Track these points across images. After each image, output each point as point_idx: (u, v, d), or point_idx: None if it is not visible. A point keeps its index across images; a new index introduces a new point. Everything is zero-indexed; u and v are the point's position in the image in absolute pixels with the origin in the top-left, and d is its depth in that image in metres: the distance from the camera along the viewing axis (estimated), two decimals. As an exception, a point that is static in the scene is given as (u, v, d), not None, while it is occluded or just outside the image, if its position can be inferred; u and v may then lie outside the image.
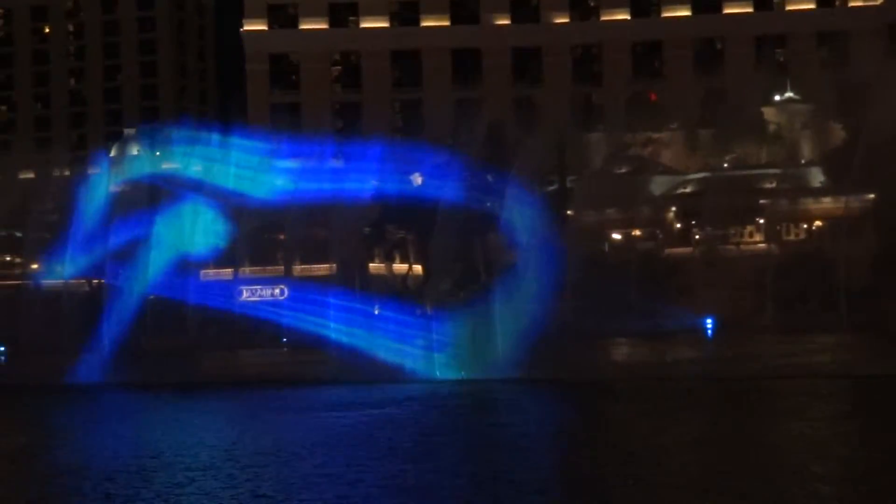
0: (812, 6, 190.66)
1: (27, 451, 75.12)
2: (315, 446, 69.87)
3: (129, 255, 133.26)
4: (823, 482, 51.29)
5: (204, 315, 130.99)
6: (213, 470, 59.45)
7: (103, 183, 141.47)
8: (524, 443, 70.80)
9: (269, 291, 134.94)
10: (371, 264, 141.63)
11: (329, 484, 52.86)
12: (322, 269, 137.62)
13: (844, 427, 75.18)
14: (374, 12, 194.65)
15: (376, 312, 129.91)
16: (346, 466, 58.67)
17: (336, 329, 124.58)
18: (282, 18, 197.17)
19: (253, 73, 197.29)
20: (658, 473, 54.97)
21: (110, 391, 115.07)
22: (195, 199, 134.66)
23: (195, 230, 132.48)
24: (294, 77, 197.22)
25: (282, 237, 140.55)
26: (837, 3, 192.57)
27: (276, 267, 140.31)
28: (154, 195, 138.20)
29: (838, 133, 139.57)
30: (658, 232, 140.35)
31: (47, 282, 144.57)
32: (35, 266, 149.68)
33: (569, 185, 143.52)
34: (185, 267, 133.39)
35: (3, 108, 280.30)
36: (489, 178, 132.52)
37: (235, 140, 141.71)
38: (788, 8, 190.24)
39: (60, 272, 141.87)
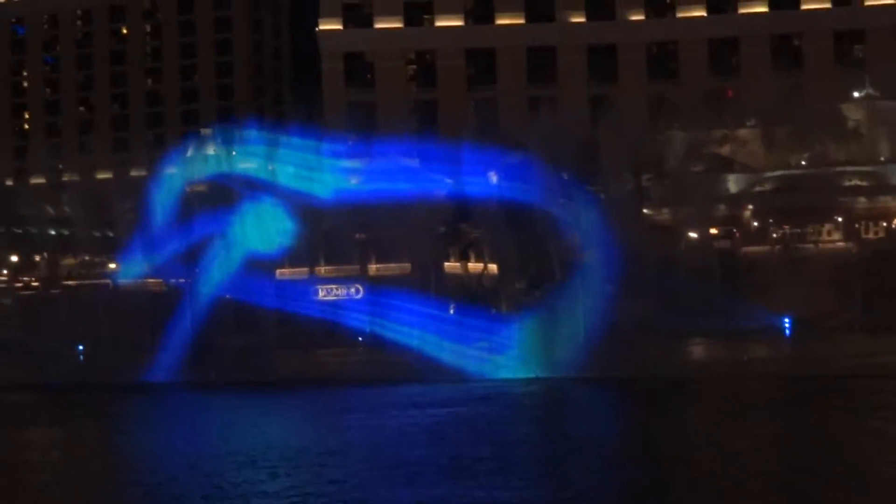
0: (891, 1, 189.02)
1: (100, 449, 77.29)
2: (382, 445, 71.29)
3: (204, 255, 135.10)
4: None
5: (279, 314, 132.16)
6: (290, 466, 61.04)
7: (179, 183, 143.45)
8: (591, 443, 71.74)
9: (344, 290, 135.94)
10: (446, 263, 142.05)
11: (397, 483, 54.18)
12: (397, 268, 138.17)
13: None
14: (448, 11, 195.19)
15: (451, 312, 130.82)
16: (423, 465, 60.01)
17: (410, 330, 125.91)
18: (357, 17, 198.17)
19: (328, 73, 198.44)
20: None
21: (185, 390, 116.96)
22: (269, 199, 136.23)
23: (269, 230, 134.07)
24: (369, 76, 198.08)
25: (357, 236, 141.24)
26: None
27: (352, 266, 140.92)
28: (229, 195, 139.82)
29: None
30: (735, 230, 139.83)
31: (125, 281, 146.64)
32: (113, 266, 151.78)
33: (644, 183, 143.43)
34: (259, 267, 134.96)
35: (82, 108, 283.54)
36: (564, 177, 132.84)
37: (310, 140, 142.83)
38: (867, 3, 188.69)
39: (138, 272, 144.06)
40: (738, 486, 54.61)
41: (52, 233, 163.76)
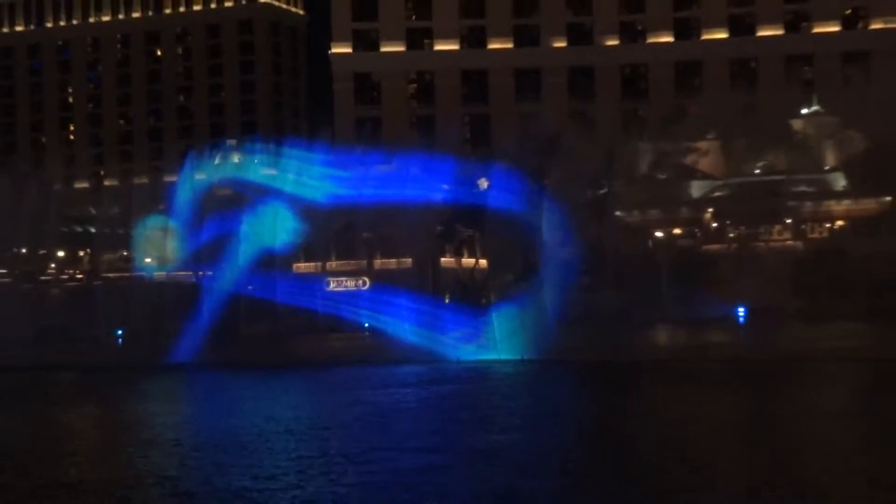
0: (837, 28, 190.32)
1: (131, 425, 77.43)
2: (383, 419, 71.61)
3: (227, 250, 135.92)
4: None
5: (294, 304, 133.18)
6: (298, 440, 61.51)
7: (205, 187, 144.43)
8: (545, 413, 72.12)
9: (352, 283, 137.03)
10: (442, 259, 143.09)
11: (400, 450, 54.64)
12: (399, 262, 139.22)
13: (855, 405, 75.88)
14: (446, 36, 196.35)
15: (447, 301, 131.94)
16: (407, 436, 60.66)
17: (409, 317, 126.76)
18: (365, 42, 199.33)
19: (339, 91, 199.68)
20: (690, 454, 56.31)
21: (207, 370, 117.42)
22: (285, 202, 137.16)
23: (285, 229, 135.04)
24: (376, 94, 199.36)
25: (364, 235, 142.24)
26: (860, 25, 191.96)
27: (359, 261, 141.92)
28: (249, 198, 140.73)
29: (859, 142, 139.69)
30: (696, 231, 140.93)
31: (157, 274, 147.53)
32: (147, 260, 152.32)
33: (617, 189, 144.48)
34: (277, 261, 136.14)
35: (122, 122, 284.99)
36: (546, 182, 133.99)
37: (322, 151, 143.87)
38: (816, 30, 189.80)
39: (168, 266, 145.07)
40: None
41: (94, 231, 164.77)
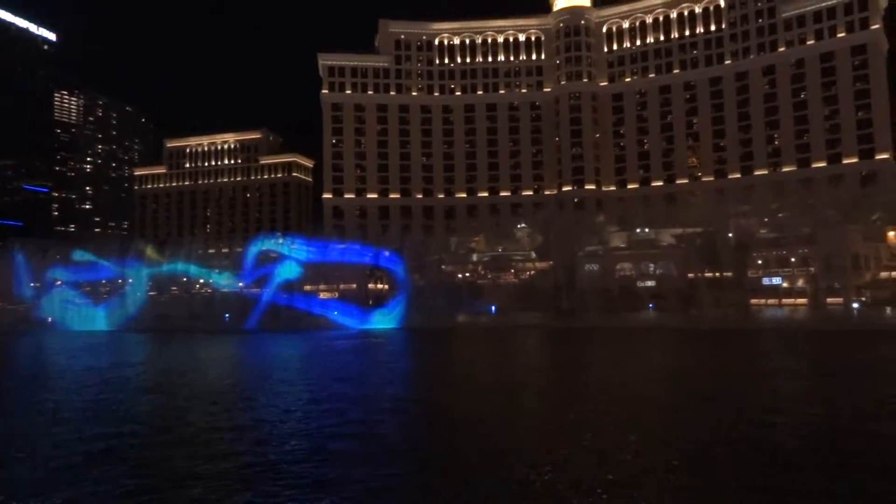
0: (530, 193, 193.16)
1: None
2: (334, 355, 69.95)
3: (268, 281, 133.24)
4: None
5: (301, 306, 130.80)
6: (293, 361, 59.36)
7: (261, 253, 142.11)
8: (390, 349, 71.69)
9: (329, 295, 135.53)
10: (369, 285, 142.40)
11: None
12: (350, 287, 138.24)
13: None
14: (371, 191, 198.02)
15: (370, 304, 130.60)
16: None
17: (351, 310, 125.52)
18: (338, 192, 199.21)
19: (326, 215, 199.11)
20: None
21: (263, 333, 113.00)
22: (297, 261, 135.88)
23: (294, 272, 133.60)
24: (342, 215, 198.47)
25: (336, 273, 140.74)
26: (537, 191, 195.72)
27: (333, 286, 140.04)
28: (280, 258, 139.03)
29: (539, 239, 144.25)
30: (475, 273, 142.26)
31: (236, 289, 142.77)
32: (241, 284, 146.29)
33: (441, 258, 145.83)
34: (292, 286, 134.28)
35: (244, 230, 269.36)
36: (410, 255, 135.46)
37: (316, 241, 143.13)
38: (546, 193, 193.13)
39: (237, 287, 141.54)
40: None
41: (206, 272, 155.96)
